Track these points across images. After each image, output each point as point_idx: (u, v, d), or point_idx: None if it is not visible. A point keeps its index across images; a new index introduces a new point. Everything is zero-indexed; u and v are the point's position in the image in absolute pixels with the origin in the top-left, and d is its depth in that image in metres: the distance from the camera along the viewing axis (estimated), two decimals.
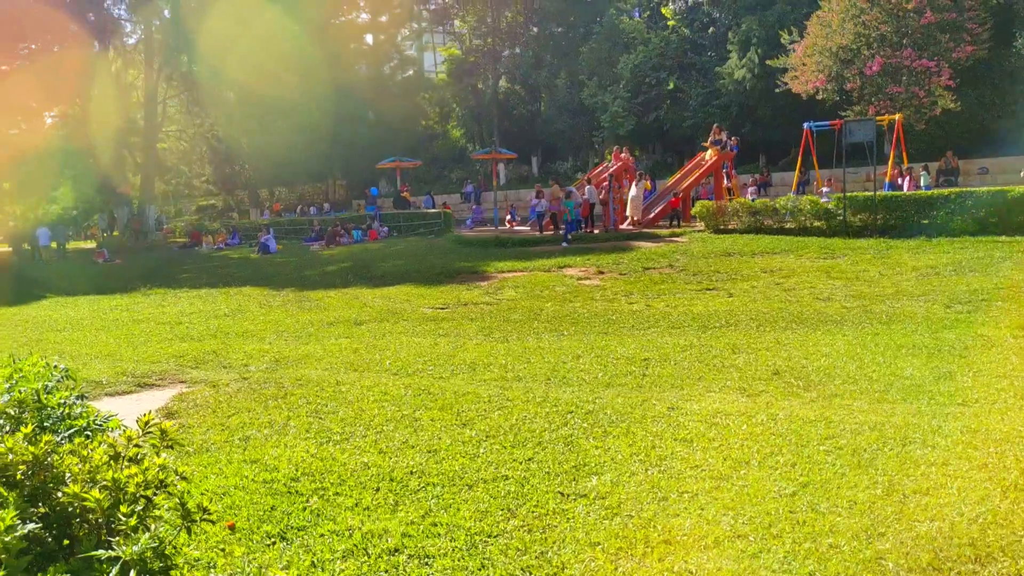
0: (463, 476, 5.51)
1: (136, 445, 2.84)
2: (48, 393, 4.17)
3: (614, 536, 4.43)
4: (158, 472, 2.61)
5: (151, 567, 2.02)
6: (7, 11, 29.05)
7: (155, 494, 2.59)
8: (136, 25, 39.82)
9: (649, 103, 36.82)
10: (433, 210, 32.75)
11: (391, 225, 31.38)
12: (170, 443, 2.95)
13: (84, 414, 4.10)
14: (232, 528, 2.49)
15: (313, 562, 4.22)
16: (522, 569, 4.07)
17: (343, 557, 4.27)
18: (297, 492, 5.28)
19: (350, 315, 14.55)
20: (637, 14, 42.03)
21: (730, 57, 33.80)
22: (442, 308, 15.16)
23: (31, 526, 2.61)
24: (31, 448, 2.61)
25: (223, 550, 4.29)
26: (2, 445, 2.59)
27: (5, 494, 2.37)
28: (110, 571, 1.82)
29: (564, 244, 22.33)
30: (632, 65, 36.58)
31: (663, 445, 6.03)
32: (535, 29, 46.22)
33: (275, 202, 46.01)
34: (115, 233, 39.58)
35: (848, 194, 19.99)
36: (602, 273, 17.99)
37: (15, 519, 2.27)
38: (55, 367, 4.83)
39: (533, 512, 4.84)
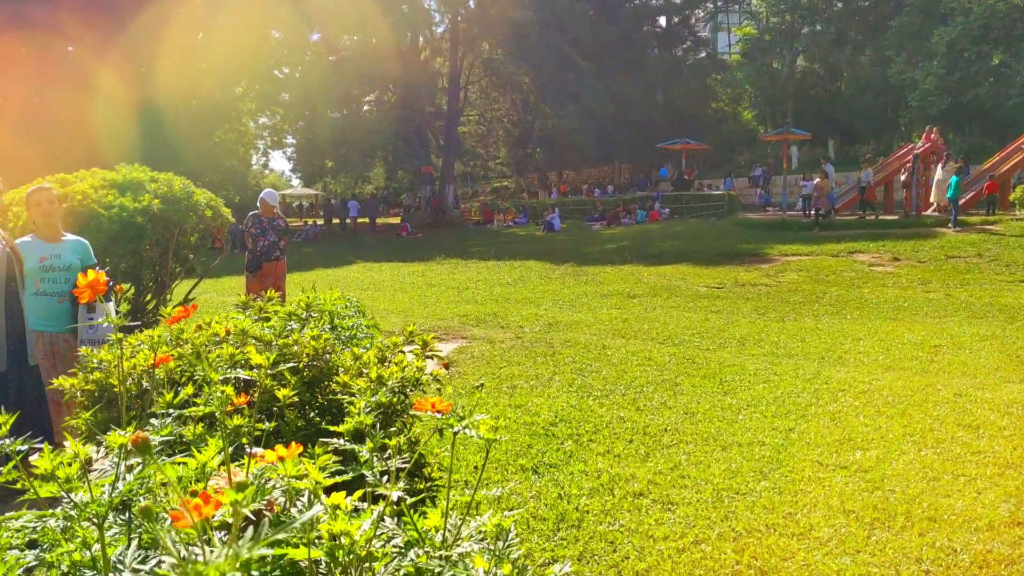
0: (718, 438, 5.45)
1: (400, 351, 3.15)
2: (340, 319, 4.70)
3: (872, 508, 4.17)
4: (415, 372, 2.89)
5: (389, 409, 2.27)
6: (337, 7, 32.36)
7: (411, 391, 2.87)
8: (443, 15, 42.64)
9: (967, 80, 33.30)
10: (717, 192, 32.08)
11: (673, 207, 31.19)
12: (430, 354, 3.22)
13: (369, 337, 4.57)
14: (481, 387, 2.69)
15: (560, 494, 4.40)
16: (766, 525, 3.97)
17: (589, 494, 4.42)
18: (553, 435, 5.51)
19: (624, 289, 14.74)
20: None
21: None
22: (717, 287, 14.89)
23: (312, 414, 3.01)
24: (313, 343, 2.99)
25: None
26: (290, 337, 2.99)
27: (289, 378, 2.74)
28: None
29: (951, 227, 20.21)
30: (949, 39, 33.28)
31: (943, 429, 5.55)
32: (839, 4, 43.49)
33: (562, 183, 47.40)
34: (417, 210, 42.88)
35: None
36: (897, 260, 16.70)
37: (294, 398, 2.62)
38: (349, 300, 5.43)
39: (786, 477, 4.69)
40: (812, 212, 23.95)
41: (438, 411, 1.43)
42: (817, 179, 23.92)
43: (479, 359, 8.36)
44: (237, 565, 0.80)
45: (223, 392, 1.64)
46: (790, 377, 7.26)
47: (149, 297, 8.14)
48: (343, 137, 35.90)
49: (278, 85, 37.98)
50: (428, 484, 2.96)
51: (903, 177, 23.92)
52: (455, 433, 1.52)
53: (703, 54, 52.10)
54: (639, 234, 25.04)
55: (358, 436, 2.03)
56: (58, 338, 4.86)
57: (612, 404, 6.37)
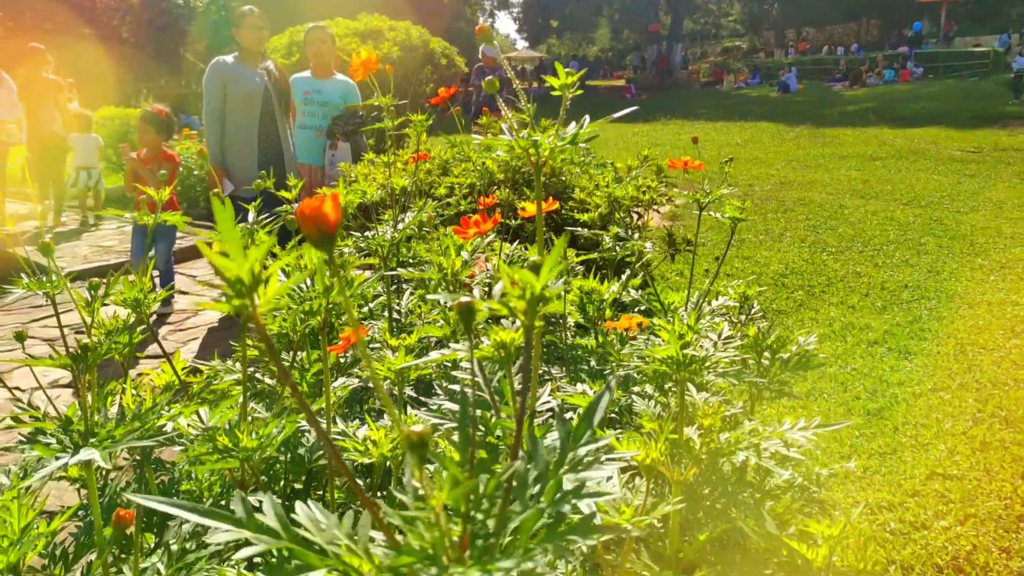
0: (964, 296, 5.09)
1: (634, 174, 3.16)
2: (573, 154, 4.75)
3: None
4: (650, 191, 2.90)
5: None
6: None
7: (642, 205, 2.89)
8: None
9: None
10: (979, 49, 28.70)
11: (927, 66, 28.33)
12: (664, 180, 3.21)
13: (601, 173, 4.62)
14: (730, 162, 2.63)
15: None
16: (1015, 380, 3.72)
17: (820, 339, 4.32)
18: (783, 285, 5.38)
19: (865, 151, 13.76)
20: None
21: None
22: (974, 151, 13.54)
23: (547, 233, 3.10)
24: (551, 162, 3.06)
25: None
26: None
27: (528, 193, 2.83)
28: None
29: None
30: None
31: None
32: None
33: (801, 41, 44.16)
34: (643, 70, 41.68)
35: None
36: None
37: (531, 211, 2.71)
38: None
39: None
40: None
41: (692, 167, 1.44)
42: None
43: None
44: None
45: (483, 164, 1.73)
46: None
47: (388, 143, 8.60)
48: None
49: None
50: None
51: None
52: (701, 209, 1.52)
53: None
54: (885, 95, 23.07)
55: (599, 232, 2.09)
56: (316, 171, 5.24)
57: (847, 260, 6.10)
